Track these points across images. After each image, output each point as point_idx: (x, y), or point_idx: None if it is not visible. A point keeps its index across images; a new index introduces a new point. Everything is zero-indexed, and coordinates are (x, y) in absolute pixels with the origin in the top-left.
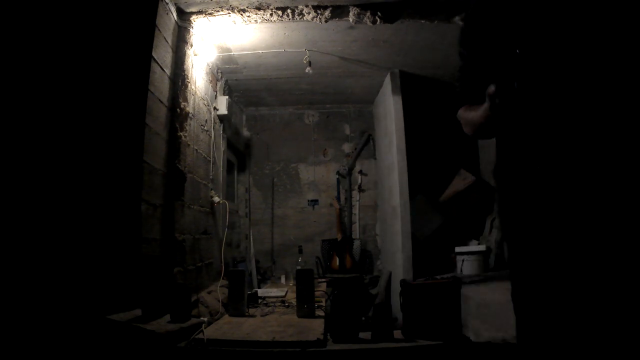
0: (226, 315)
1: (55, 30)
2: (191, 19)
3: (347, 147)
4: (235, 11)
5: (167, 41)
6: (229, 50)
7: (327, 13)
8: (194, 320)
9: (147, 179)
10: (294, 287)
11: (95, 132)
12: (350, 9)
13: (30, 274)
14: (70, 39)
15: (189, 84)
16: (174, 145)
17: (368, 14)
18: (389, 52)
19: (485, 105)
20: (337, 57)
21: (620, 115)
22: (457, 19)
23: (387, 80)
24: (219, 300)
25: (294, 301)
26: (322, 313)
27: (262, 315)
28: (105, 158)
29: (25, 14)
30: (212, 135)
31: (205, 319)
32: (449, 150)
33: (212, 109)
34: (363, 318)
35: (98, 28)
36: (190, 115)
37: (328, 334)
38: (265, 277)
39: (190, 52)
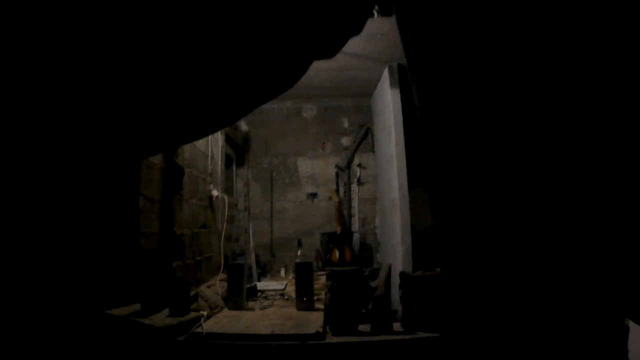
0: (225, 309)
1: None
2: None
3: (345, 141)
4: None
5: None
6: None
7: None
8: (193, 314)
9: (145, 174)
10: (294, 280)
11: (92, 124)
12: None
13: (28, 268)
14: None
15: None
16: None
17: None
18: (387, 45)
19: None
20: None
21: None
22: None
23: (385, 74)
24: (218, 294)
25: (293, 294)
26: (321, 306)
27: (261, 309)
28: (103, 152)
29: None
30: None
31: (205, 313)
32: None
33: None
34: (363, 311)
35: None
36: None
37: (327, 327)
38: (264, 271)
39: None
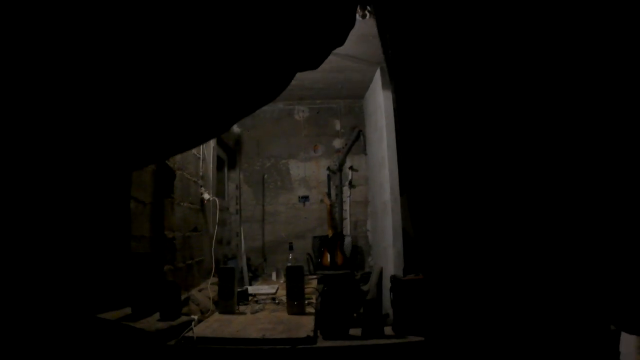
0: (216, 313)
1: None
2: None
3: (337, 143)
4: None
5: None
6: None
7: None
8: (183, 318)
9: (136, 176)
10: (285, 284)
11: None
12: None
13: (18, 272)
14: None
15: None
16: None
17: (357, 8)
18: (379, 46)
19: None
20: None
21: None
22: None
23: (377, 76)
24: (209, 298)
25: (284, 298)
26: (312, 310)
27: (252, 313)
28: (93, 154)
29: None
30: None
31: (196, 317)
32: None
33: None
34: (354, 314)
35: None
36: None
37: (318, 331)
38: (256, 274)
39: None
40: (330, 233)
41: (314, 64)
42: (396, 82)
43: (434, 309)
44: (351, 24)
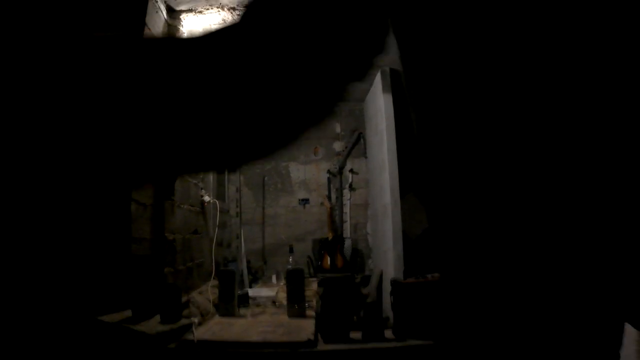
0: (217, 316)
1: None
2: (181, 17)
3: (337, 146)
4: (225, 9)
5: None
6: None
7: None
8: (184, 321)
9: None
10: (285, 287)
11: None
12: None
13: (19, 274)
14: None
15: None
16: None
17: None
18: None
19: None
20: None
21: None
22: None
23: (378, 79)
24: (209, 301)
25: (284, 301)
26: (312, 313)
27: (252, 316)
28: (94, 154)
29: None
30: None
31: (196, 320)
32: None
33: None
34: (355, 318)
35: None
36: None
37: (318, 334)
38: (256, 277)
39: None
40: (330, 236)
41: (361, 75)
42: (407, 81)
43: (452, 311)
44: (386, 30)
